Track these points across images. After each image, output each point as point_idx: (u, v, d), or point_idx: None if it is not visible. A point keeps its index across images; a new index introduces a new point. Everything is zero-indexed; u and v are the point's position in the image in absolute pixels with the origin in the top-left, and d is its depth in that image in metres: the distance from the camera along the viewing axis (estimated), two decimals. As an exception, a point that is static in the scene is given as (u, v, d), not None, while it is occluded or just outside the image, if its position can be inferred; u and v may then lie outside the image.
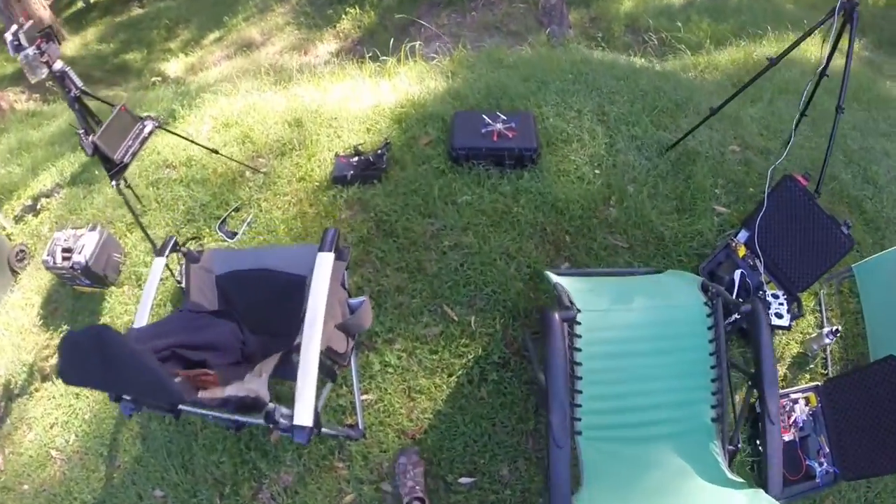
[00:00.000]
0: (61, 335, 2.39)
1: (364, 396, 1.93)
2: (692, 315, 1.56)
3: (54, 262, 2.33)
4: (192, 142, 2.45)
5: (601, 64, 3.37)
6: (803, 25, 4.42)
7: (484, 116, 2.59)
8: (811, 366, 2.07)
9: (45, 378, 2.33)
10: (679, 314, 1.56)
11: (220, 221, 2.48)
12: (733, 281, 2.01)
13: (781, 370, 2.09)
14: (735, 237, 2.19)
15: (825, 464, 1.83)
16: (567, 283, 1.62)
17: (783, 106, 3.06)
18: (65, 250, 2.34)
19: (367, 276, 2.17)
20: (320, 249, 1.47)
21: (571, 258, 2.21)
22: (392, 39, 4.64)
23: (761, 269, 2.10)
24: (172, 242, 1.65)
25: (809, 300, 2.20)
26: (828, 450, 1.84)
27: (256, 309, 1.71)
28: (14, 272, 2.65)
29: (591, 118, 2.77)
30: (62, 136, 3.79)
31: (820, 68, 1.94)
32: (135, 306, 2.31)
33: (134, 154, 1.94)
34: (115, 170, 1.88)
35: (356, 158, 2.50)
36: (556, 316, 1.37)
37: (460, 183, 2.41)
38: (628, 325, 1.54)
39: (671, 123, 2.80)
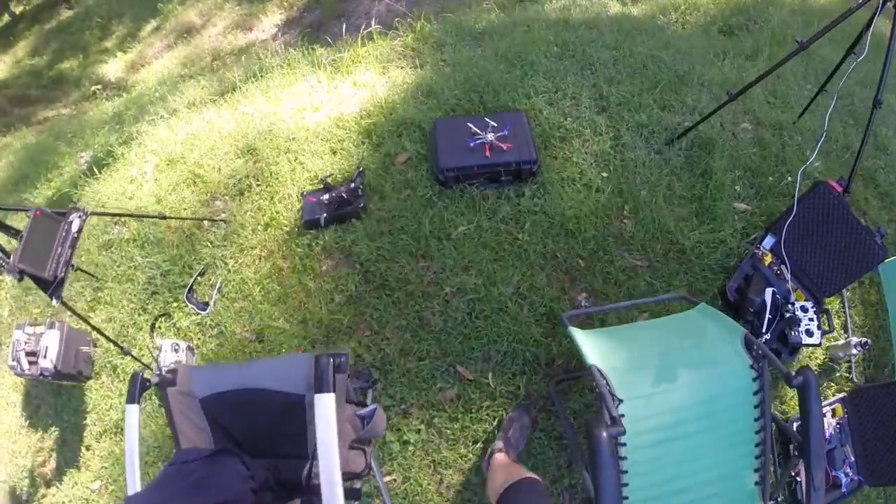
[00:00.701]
0: (52, 436, 2.13)
1: (388, 478, 1.72)
2: (738, 384, 1.35)
3: (22, 370, 1.97)
4: (134, 215, 2.00)
5: (586, 28, 2.81)
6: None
7: (470, 125, 2.10)
8: (836, 374, 1.89)
9: (48, 483, 2.05)
10: (725, 386, 1.34)
11: (187, 290, 2.11)
12: (764, 303, 1.79)
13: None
14: (760, 244, 1.90)
15: (851, 473, 1.72)
16: (602, 361, 1.38)
17: (796, 66, 2.64)
18: (28, 354, 1.98)
19: (365, 343, 1.84)
20: (318, 390, 1.18)
21: (589, 287, 1.90)
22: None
23: (788, 277, 1.86)
24: (140, 382, 1.32)
25: (833, 302, 1.98)
26: (853, 459, 1.73)
27: (255, 433, 1.44)
28: (-21, 368, 2.30)
29: (590, 105, 2.31)
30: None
31: (857, 49, 1.58)
32: (118, 399, 2.00)
33: (67, 262, 1.50)
34: (53, 287, 1.48)
35: (327, 196, 2.02)
36: (605, 435, 1.15)
37: (452, 211, 2.01)
38: (673, 408, 1.32)
39: (676, 102, 2.35)
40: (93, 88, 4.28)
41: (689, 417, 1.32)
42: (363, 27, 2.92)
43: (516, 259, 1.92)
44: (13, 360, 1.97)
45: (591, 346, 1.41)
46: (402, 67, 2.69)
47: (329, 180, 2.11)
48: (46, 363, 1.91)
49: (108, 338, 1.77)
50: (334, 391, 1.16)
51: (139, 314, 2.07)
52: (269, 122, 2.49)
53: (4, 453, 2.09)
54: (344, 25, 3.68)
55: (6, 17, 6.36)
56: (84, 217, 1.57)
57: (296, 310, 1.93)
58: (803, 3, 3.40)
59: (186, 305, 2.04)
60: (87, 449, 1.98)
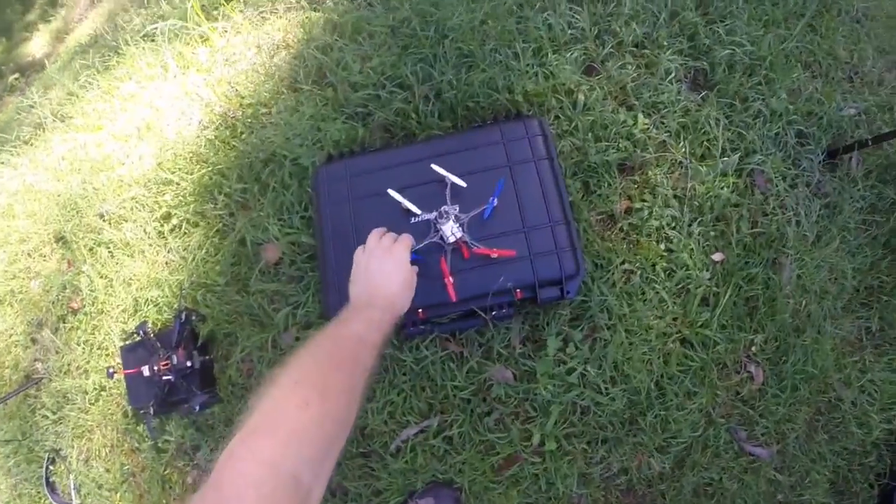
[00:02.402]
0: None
1: None
2: None
3: None
4: None
5: None
6: None
7: (394, 195, 0.47)
8: None
9: None
10: None
11: (45, 483, 0.95)
12: None
13: None
14: None
15: None
16: None
17: None
18: None
19: None
20: None
21: (664, 515, 0.65)
22: None
23: None
24: None
25: None
26: None
27: None
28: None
29: (675, 70, 0.57)
30: None
31: None
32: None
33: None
34: None
35: (146, 368, 0.61)
36: None
37: (384, 391, 0.56)
38: None
39: (827, 58, 0.59)
40: (11, 79, 2.40)
41: None
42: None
43: (524, 488, 0.60)
44: None
45: None
46: (289, 9, 0.83)
47: (148, 327, 0.68)
48: None
49: None
50: None
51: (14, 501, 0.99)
52: (82, 175, 0.87)
53: None
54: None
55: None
56: None
57: (170, 542, 0.80)
58: None
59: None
60: None
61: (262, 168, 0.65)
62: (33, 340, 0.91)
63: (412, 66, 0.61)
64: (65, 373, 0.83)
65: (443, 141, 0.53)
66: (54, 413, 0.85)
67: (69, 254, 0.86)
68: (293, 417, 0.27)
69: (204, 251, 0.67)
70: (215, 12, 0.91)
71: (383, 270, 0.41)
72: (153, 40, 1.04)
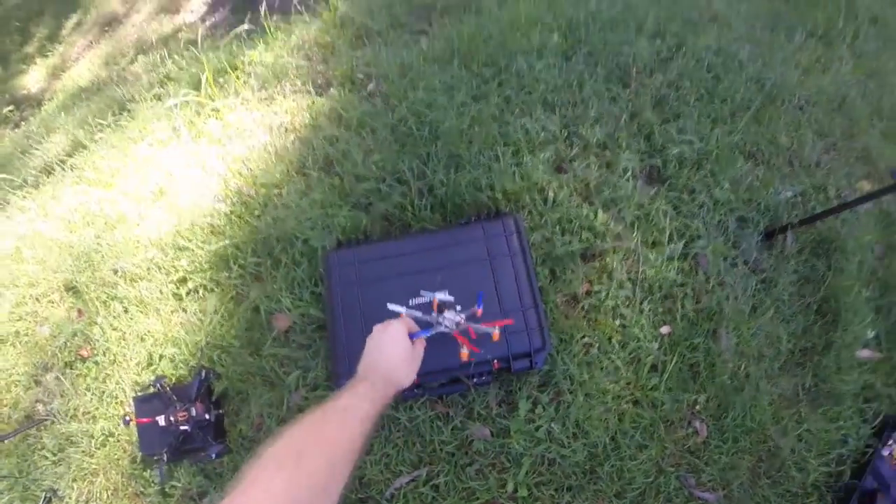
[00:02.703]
0: None
1: None
2: None
3: None
4: None
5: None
6: None
7: (394, 307, 0.57)
8: None
9: None
10: None
11: None
12: None
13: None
14: (890, 439, 0.66)
15: None
16: None
17: (889, 56, 0.87)
18: None
19: None
20: None
21: (622, 554, 0.79)
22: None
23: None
24: None
25: None
26: None
27: None
28: None
29: (631, 167, 0.73)
30: None
31: None
32: None
33: None
34: None
35: (162, 418, 0.71)
36: None
37: (380, 449, 0.67)
38: None
39: (767, 146, 0.77)
40: (5, 110, 2.45)
41: None
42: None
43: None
44: None
45: None
46: (296, 91, 1.01)
47: (163, 383, 0.81)
48: None
49: None
50: None
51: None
52: (95, 230, 0.97)
53: None
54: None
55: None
56: None
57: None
58: None
59: (45, 545, 0.99)
60: None
61: (276, 244, 0.77)
62: (36, 382, 0.99)
63: (409, 163, 0.74)
64: (71, 417, 0.91)
65: (435, 236, 0.66)
66: (55, 454, 0.93)
67: (80, 303, 0.95)
68: (266, 480, 0.32)
69: (219, 315, 0.77)
70: (221, 80, 1.02)
71: (379, 347, 0.47)
72: (160, 99, 1.15)
